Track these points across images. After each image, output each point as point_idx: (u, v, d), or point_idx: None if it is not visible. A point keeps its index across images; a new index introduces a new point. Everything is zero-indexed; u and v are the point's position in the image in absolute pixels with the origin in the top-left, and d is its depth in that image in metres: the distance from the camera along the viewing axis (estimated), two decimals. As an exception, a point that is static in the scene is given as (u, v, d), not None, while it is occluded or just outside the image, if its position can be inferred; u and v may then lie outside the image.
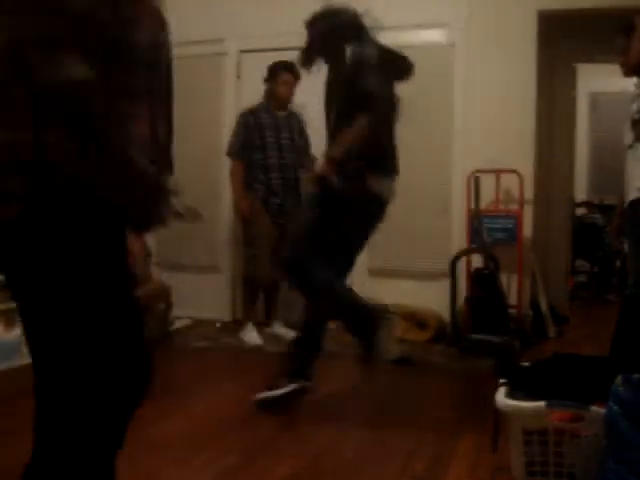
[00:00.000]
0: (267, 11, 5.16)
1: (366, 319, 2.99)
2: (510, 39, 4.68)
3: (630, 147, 2.94)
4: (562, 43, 5.18)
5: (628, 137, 2.97)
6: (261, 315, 4.79)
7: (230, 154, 4.57)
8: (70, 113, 1.11)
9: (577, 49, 5.34)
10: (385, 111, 2.97)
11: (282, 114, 4.58)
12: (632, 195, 2.89)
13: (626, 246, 3.69)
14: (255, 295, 4.66)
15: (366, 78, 2.88)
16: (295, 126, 4.64)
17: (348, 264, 3.14)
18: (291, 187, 4.59)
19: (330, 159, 2.93)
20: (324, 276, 2.97)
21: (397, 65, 3.13)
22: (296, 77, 4.47)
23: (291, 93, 4.53)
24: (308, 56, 3.17)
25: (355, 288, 4.98)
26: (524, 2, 4.65)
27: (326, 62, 3.18)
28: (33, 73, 1.08)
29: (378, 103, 2.89)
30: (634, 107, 2.93)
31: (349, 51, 3.00)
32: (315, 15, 3.15)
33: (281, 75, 4.46)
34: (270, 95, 4.54)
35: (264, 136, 4.49)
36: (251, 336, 4.51)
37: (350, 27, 3.07)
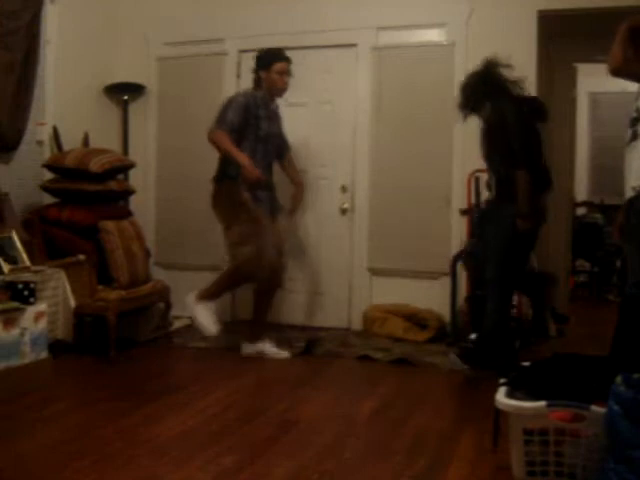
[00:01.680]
0: (267, 11, 5.15)
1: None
2: (510, 39, 4.67)
3: (628, 144, 2.92)
4: (562, 43, 5.17)
5: (628, 134, 2.96)
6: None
7: (222, 127, 4.05)
8: None
9: (577, 49, 5.33)
10: (531, 154, 3.71)
11: (273, 105, 4.32)
12: (628, 194, 2.88)
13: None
14: (271, 297, 4.30)
15: (508, 130, 3.66)
16: (280, 117, 4.39)
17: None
18: (271, 181, 4.28)
19: (524, 215, 3.67)
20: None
21: (537, 110, 3.93)
22: (290, 65, 4.25)
23: (287, 83, 4.25)
24: (460, 108, 3.92)
25: (356, 288, 5.02)
26: (524, 2, 4.65)
27: (472, 113, 3.93)
28: None
29: (525, 154, 3.65)
30: (635, 105, 2.92)
31: (489, 107, 3.77)
32: (469, 73, 3.96)
33: (277, 63, 4.20)
34: (265, 85, 4.21)
35: (260, 128, 4.15)
36: (279, 352, 4.17)
37: (489, 83, 3.82)
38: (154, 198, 5.51)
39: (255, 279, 4.17)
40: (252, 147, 4.12)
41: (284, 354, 4.17)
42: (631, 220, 2.83)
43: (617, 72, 2.82)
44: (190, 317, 4.24)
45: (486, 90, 3.82)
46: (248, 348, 4.18)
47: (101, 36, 5.34)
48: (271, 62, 4.20)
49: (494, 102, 3.77)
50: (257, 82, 4.24)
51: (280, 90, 4.25)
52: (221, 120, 4.06)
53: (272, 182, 4.30)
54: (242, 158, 3.97)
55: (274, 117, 4.29)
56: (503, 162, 3.74)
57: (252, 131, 4.12)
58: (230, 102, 4.12)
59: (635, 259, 2.85)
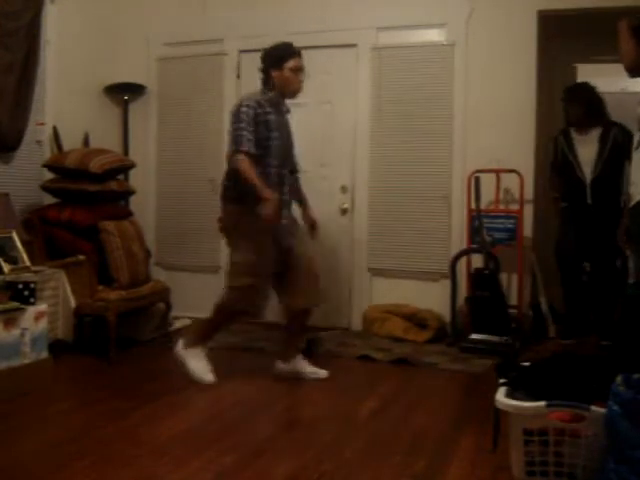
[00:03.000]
0: (267, 11, 5.16)
1: None
2: (510, 39, 4.68)
3: (636, 148, 2.92)
4: (562, 43, 5.17)
5: (636, 138, 2.95)
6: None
7: (242, 149, 3.48)
8: None
9: (577, 49, 5.33)
10: None
11: (285, 108, 3.77)
12: (637, 197, 2.88)
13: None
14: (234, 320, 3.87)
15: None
16: (290, 126, 3.84)
17: None
18: (288, 200, 3.74)
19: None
20: None
21: None
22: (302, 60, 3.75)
23: (302, 81, 3.73)
24: (582, 124, 4.41)
25: (356, 288, 5.02)
26: (524, 2, 4.65)
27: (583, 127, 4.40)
28: None
29: None
30: None
31: (617, 128, 4.29)
32: (573, 89, 4.53)
33: (290, 60, 3.66)
34: (277, 85, 3.66)
35: (270, 137, 3.60)
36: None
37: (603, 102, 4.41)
38: (154, 198, 5.52)
39: (249, 314, 3.76)
40: (265, 161, 3.59)
41: (208, 378, 3.64)
42: (639, 222, 2.83)
43: (634, 70, 2.82)
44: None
45: (603, 109, 4.40)
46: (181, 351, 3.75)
47: (101, 36, 5.34)
48: (284, 59, 3.67)
49: (615, 123, 4.33)
50: (266, 83, 3.70)
51: (295, 90, 3.72)
52: (238, 141, 3.51)
53: (288, 199, 3.76)
54: (266, 194, 3.40)
55: (287, 122, 3.77)
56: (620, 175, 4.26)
57: (263, 142, 3.58)
58: (238, 116, 3.55)
59: (638, 260, 2.86)
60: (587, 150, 4.38)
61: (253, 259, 3.54)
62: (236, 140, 3.51)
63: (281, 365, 3.76)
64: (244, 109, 3.55)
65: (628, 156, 4.05)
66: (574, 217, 4.50)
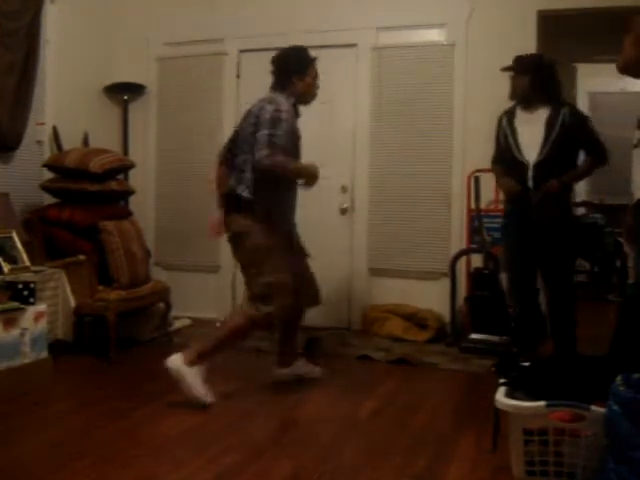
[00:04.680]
0: (267, 11, 5.16)
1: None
2: (510, 39, 4.67)
3: (635, 146, 2.91)
4: (562, 43, 5.17)
5: (636, 136, 2.95)
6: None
7: (276, 150, 3.27)
8: None
9: (577, 49, 5.33)
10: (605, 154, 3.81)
11: (299, 113, 3.62)
12: (638, 195, 2.87)
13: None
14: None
15: (590, 129, 3.84)
16: None
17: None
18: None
19: (561, 183, 3.76)
20: None
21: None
22: None
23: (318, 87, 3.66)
24: (527, 100, 3.85)
25: (356, 288, 5.02)
26: (524, 2, 4.66)
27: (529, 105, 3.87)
28: None
29: (602, 148, 3.74)
30: None
31: (567, 109, 3.81)
32: (521, 58, 3.96)
33: (313, 67, 3.57)
34: (299, 91, 3.51)
35: (297, 146, 3.52)
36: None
37: (556, 79, 3.91)
38: (154, 198, 5.52)
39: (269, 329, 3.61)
40: None
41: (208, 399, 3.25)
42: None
43: (626, 70, 2.81)
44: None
45: (557, 86, 3.91)
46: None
47: (101, 36, 5.34)
48: (308, 66, 3.54)
49: (565, 104, 3.87)
50: (284, 87, 3.48)
51: (313, 97, 3.63)
52: (272, 144, 3.24)
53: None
54: (306, 165, 3.45)
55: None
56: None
57: (292, 151, 3.45)
58: (276, 122, 3.29)
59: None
60: (532, 130, 3.80)
61: (283, 277, 3.30)
62: (270, 145, 3.25)
63: (284, 371, 3.66)
64: (285, 116, 3.34)
65: (578, 140, 3.83)
66: (516, 210, 3.89)
